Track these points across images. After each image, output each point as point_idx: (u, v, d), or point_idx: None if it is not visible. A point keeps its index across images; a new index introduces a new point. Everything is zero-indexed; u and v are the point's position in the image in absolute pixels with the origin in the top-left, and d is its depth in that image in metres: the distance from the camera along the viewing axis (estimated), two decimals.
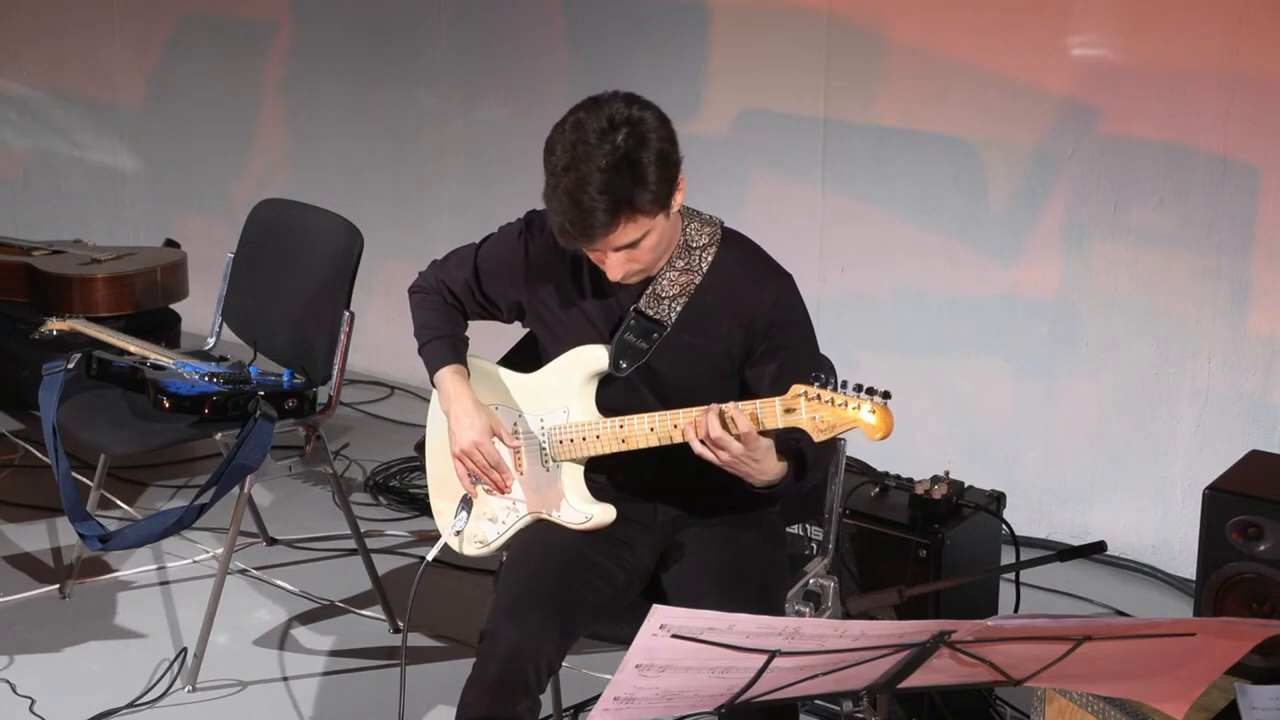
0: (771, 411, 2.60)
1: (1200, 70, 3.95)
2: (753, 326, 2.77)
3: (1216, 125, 3.95)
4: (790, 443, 2.69)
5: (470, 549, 2.96)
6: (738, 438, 2.59)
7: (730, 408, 2.61)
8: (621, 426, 2.76)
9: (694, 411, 2.66)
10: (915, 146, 4.42)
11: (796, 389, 2.59)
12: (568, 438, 2.82)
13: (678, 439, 2.69)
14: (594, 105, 2.62)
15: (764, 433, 2.61)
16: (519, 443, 2.88)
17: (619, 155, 2.57)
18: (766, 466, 2.67)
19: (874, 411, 2.53)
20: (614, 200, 2.57)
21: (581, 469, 2.86)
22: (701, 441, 2.62)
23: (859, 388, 2.56)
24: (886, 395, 2.53)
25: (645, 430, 2.73)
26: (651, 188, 2.59)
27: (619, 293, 2.81)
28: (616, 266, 2.67)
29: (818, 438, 2.59)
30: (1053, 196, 4.24)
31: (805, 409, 2.57)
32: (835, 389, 2.56)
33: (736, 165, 4.69)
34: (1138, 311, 4.16)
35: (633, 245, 2.65)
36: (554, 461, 2.86)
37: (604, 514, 2.83)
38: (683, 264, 2.78)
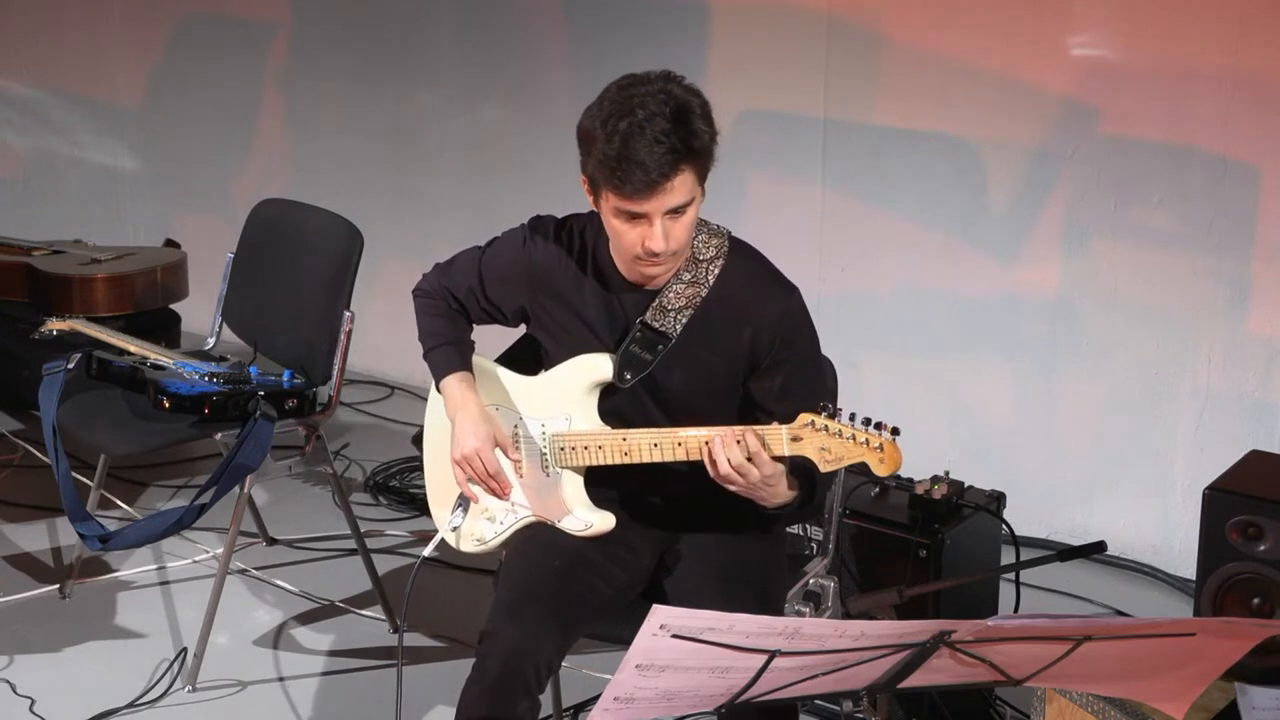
0: (778, 438, 2.60)
1: (1200, 70, 3.95)
2: (758, 340, 2.77)
3: (1216, 125, 3.95)
4: (800, 465, 2.69)
5: (467, 546, 2.95)
6: (750, 460, 2.60)
7: (740, 432, 2.61)
8: (624, 440, 2.75)
9: (698, 431, 2.67)
10: (915, 146, 4.42)
11: (804, 418, 2.59)
12: (569, 445, 2.82)
13: (680, 456, 2.69)
14: (634, 76, 2.64)
15: (774, 459, 2.62)
16: (519, 456, 2.87)
17: (675, 103, 2.59)
18: (779, 490, 2.68)
19: (882, 448, 2.54)
20: (675, 143, 2.57)
21: (582, 477, 2.85)
22: (722, 471, 2.62)
23: (867, 421, 2.56)
24: (895, 431, 2.54)
25: (649, 445, 2.72)
26: (704, 137, 2.60)
27: (624, 303, 2.81)
28: (661, 236, 2.62)
29: (824, 468, 2.60)
30: (1053, 196, 4.24)
31: (813, 439, 2.58)
32: (843, 420, 2.56)
33: (736, 165, 4.68)
34: (1138, 311, 4.16)
35: (680, 211, 2.63)
36: (555, 467, 2.85)
37: (604, 522, 2.83)
38: (689, 276, 2.77)
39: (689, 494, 2.84)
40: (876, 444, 2.54)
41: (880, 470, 2.55)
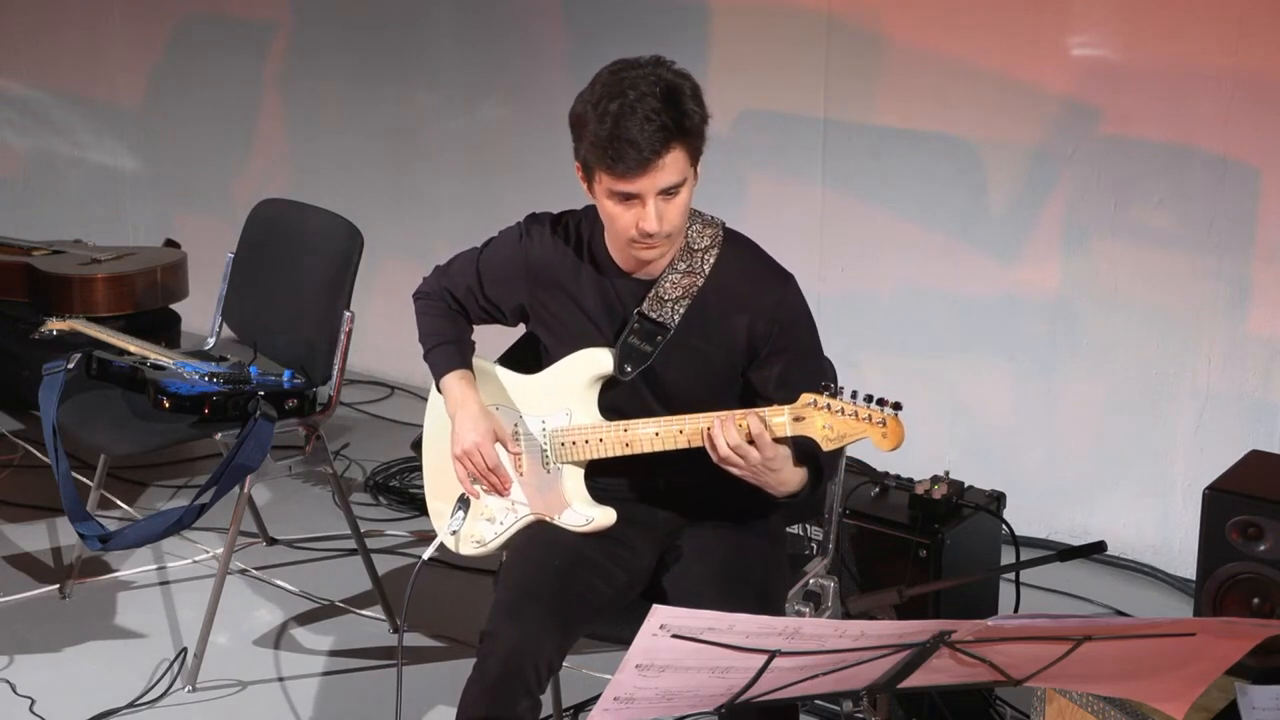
0: (781, 420, 2.60)
1: (1200, 70, 3.95)
2: (755, 328, 2.77)
3: (1216, 125, 3.95)
4: (805, 450, 2.69)
5: (467, 549, 2.96)
6: (752, 443, 2.60)
7: (741, 414, 2.61)
8: (625, 430, 2.75)
9: (699, 417, 2.67)
10: (915, 146, 4.42)
11: (806, 397, 2.59)
12: (570, 440, 2.82)
13: (682, 444, 2.69)
14: (624, 61, 2.66)
15: (777, 440, 2.62)
16: (520, 449, 2.88)
17: (665, 84, 2.61)
18: (785, 476, 2.68)
19: (885, 423, 2.54)
20: (665, 121, 2.58)
21: (582, 472, 2.86)
22: (722, 453, 2.62)
23: (869, 398, 2.56)
24: (897, 406, 2.54)
25: (650, 435, 2.73)
26: (695, 117, 2.62)
27: (621, 292, 2.81)
28: (654, 217, 2.63)
29: (827, 447, 2.60)
30: (1053, 196, 4.24)
31: (815, 418, 2.58)
32: (845, 398, 2.57)
33: (736, 165, 4.69)
34: (1138, 311, 4.16)
35: (672, 192, 2.64)
36: (555, 464, 2.85)
37: (604, 517, 2.83)
38: (685, 266, 2.78)
39: (690, 483, 2.84)
40: (879, 419, 2.55)
41: (883, 446, 2.55)
